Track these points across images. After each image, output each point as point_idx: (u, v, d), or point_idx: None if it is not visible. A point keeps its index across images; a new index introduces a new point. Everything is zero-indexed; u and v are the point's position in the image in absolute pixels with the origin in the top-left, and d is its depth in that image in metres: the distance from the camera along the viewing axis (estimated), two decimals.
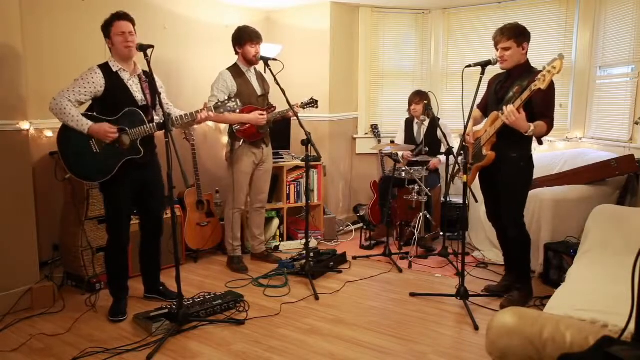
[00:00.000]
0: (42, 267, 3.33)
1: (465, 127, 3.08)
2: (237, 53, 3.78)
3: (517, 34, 2.96)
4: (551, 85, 2.83)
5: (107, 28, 2.86)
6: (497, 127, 2.96)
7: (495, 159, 3.04)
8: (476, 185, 3.36)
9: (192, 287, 3.48)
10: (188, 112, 2.97)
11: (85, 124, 2.77)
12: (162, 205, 3.19)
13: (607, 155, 3.78)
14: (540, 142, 3.03)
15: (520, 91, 2.89)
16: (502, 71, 3.19)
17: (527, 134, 2.85)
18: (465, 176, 3.05)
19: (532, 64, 3.07)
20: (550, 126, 2.91)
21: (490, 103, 3.21)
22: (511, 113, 2.77)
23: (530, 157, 3.08)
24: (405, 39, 5.31)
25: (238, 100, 3.04)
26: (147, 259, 3.24)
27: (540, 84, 2.68)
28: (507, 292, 3.25)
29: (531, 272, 3.37)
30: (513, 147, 3.01)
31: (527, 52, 3.02)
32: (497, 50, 3.04)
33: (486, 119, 3.38)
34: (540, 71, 2.84)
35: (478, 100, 3.22)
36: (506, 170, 3.04)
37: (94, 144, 2.83)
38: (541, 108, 2.87)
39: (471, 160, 3.22)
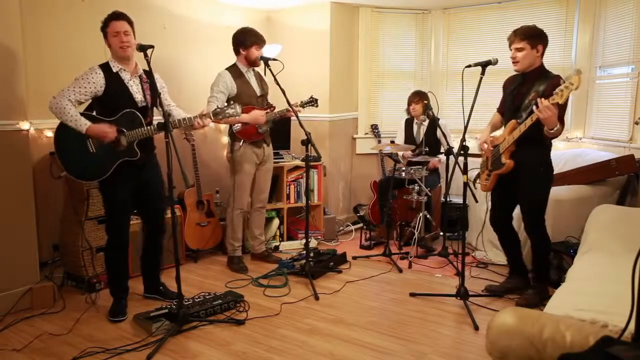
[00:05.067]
0: (42, 267, 3.33)
1: (466, 128, 3.07)
2: (238, 54, 3.78)
3: (531, 36, 2.93)
4: None
5: (104, 29, 2.86)
6: (515, 136, 2.95)
7: (515, 167, 3.04)
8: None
9: (192, 287, 3.48)
10: (187, 117, 2.95)
11: (84, 124, 2.77)
12: (162, 205, 3.18)
13: (607, 155, 3.78)
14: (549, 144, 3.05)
15: (534, 97, 2.89)
16: (515, 74, 3.16)
17: (551, 131, 2.82)
18: (465, 176, 3.05)
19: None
20: (563, 128, 2.91)
21: (507, 109, 3.19)
22: (547, 108, 2.72)
23: (550, 162, 3.08)
24: (405, 39, 5.31)
25: (237, 106, 2.98)
26: (148, 258, 3.24)
27: (558, 99, 2.68)
28: (508, 294, 3.26)
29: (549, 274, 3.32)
30: (532, 154, 3.00)
31: (542, 55, 2.99)
32: (511, 50, 3.02)
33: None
34: (556, 76, 2.88)
35: (486, 102, 3.20)
36: (526, 177, 3.02)
37: (91, 144, 2.83)
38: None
39: (490, 167, 3.21)
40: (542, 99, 2.75)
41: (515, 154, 3.04)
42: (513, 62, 3.01)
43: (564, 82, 2.69)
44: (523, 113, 2.97)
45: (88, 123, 2.78)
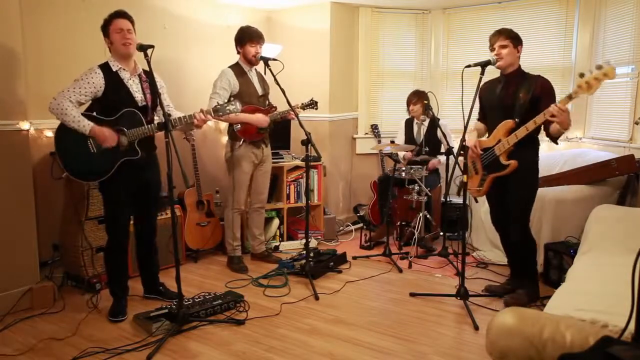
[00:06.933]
0: (42, 267, 3.32)
1: (465, 128, 3.07)
2: (238, 52, 3.80)
3: (513, 37, 3.03)
4: (552, 87, 2.94)
5: (105, 27, 2.86)
6: (519, 136, 2.94)
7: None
8: None
9: (192, 287, 3.48)
10: (187, 115, 2.95)
11: (87, 125, 2.77)
12: (156, 209, 3.20)
13: (607, 155, 3.78)
14: (556, 142, 3.04)
15: (525, 97, 2.93)
16: (491, 79, 3.19)
17: (566, 130, 2.85)
18: (465, 176, 3.05)
19: (532, 65, 3.11)
20: None
21: (494, 111, 3.16)
22: (562, 111, 2.72)
23: (538, 160, 3.10)
24: (405, 39, 5.31)
25: (237, 103, 3.01)
26: (145, 260, 3.25)
27: (584, 91, 2.65)
28: (508, 294, 3.26)
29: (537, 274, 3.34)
30: (527, 152, 3.02)
31: (519, 57, 3.06)
32: (493, 50, 3.07)
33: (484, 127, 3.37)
34: (537, 75, 2.93)
35: (476, 107, 3.21)
36: (519, 174, 3.03)
37: (92, 144, 2.83)
38: None
39: (484, 171, 3.19)
40: (553, 105, 2.74)
41: (512, 154, 3.04)
42: (497, 59, 3.05)
43: (593, 74, 2.60)
44: (518, 113, 2.96)
45: (91, 124, 2.78)
